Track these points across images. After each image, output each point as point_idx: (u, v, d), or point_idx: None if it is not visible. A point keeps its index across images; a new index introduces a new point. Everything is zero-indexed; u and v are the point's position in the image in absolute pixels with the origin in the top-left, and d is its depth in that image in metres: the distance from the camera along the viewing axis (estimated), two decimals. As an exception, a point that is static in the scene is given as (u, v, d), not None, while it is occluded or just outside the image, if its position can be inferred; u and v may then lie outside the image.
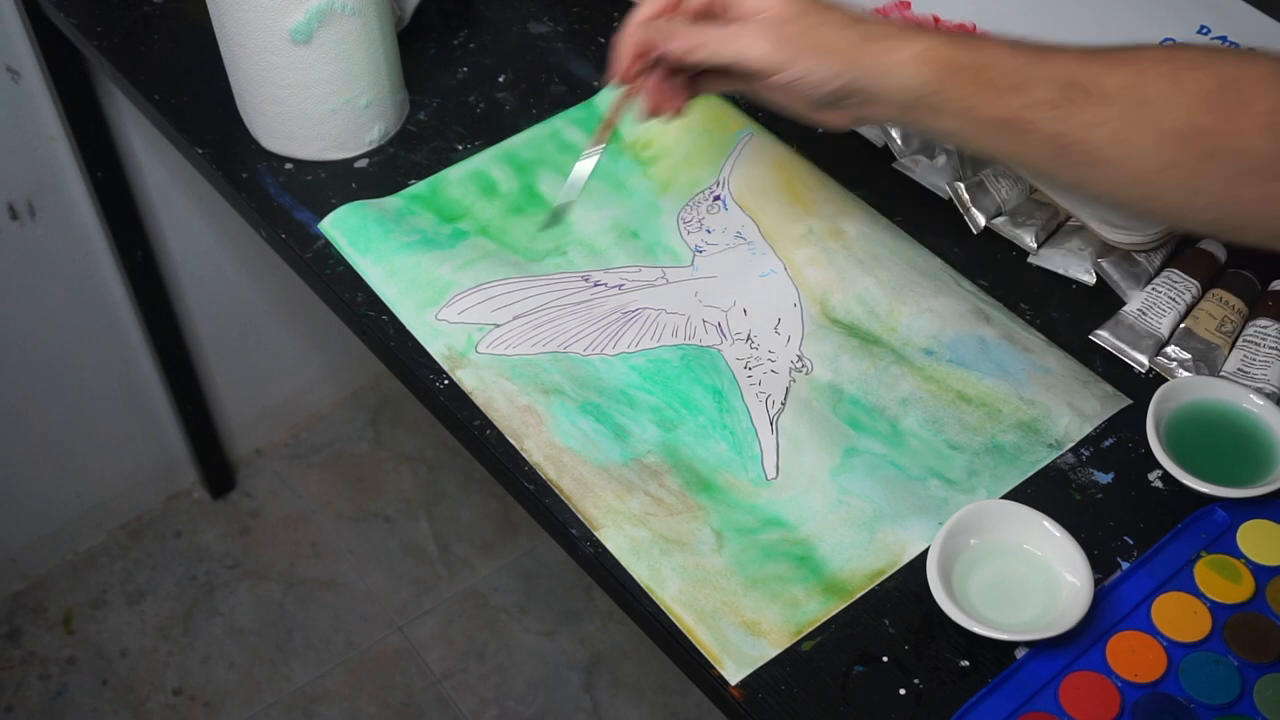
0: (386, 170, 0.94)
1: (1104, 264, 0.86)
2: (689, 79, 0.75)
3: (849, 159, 0.94)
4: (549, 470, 0.77)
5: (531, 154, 0.94)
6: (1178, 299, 0.83)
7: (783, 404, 0.80)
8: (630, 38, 0.73)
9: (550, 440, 0.78)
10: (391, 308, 0.85)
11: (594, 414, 0.79)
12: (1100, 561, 0.73)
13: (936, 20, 1.01)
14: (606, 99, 0.97)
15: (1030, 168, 0.74)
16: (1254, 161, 0.63)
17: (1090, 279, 0.86)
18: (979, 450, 0.78)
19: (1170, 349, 0.82)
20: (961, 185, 0.90)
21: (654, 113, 0.76)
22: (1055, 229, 0.89)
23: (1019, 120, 0.66)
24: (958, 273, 0.86)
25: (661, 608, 0.71)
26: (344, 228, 0.89)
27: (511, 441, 0.78)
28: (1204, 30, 1.00)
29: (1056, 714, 0.67)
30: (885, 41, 0.67)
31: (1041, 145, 0.67)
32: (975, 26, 1.00)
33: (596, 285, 0.86)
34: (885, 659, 0.70)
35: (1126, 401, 0.80)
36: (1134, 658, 0.68)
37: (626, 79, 0.75)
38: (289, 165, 0.94)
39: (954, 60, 0.67)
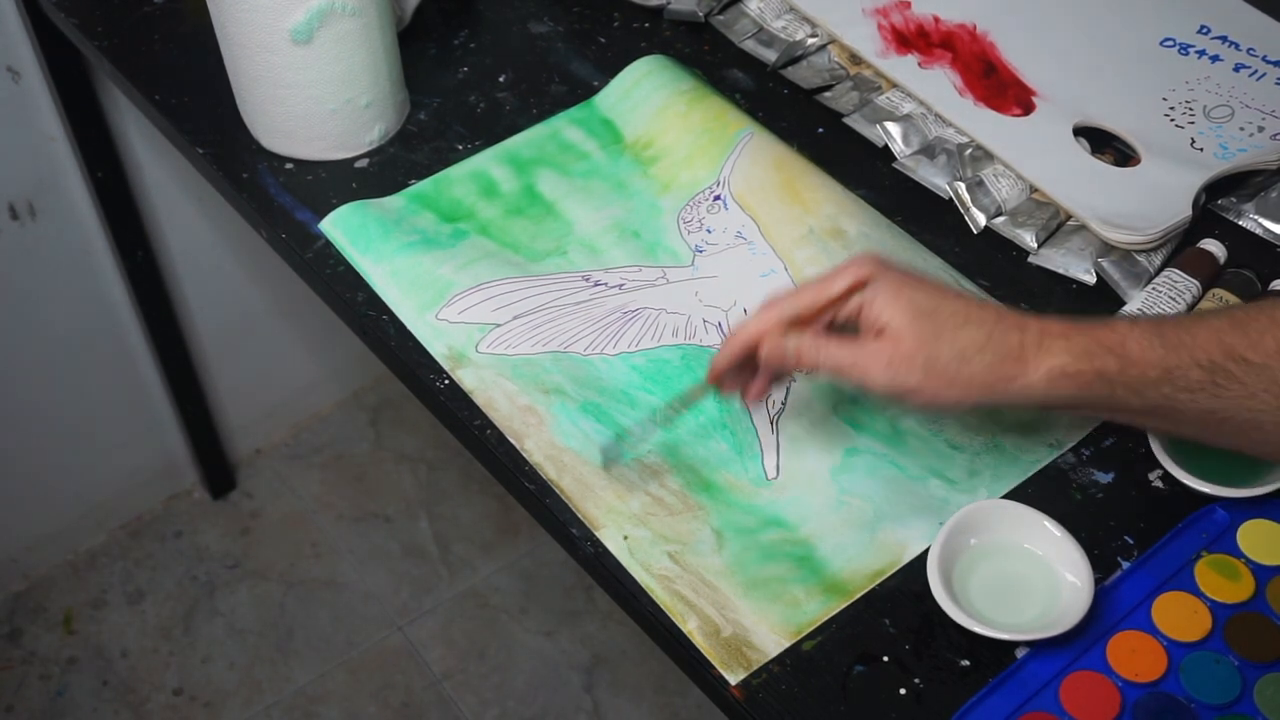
0: (387, 170, 0.94)
1: (1104, 264, 0.86)
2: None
3: (849, 159, 0.94)
4: (549, 470, 0.77)
5: (532, 154, 0.94)
6: (1178, 299, 0.83)
7: (783, 404, 0.80)
8: (742, 345, 0.71)
9: (551, 440, 0.78)
10: (392, 308, 0.85)
11: (594, 414, 0.79)
12: (1100, 561, 0.73)
13: (936, 20, 1.01)
14: (607, 100, 0.97)
15: (1189, 436, 0.72)
16: None
17: (1090, 279, 0.86)
18: (979, 450, 0.78)
19: (1170, 349, 0.82)
20: (961, 185, 0.90)
21: (728, 393, 0.75)
22: (1055, 229, 0.89)
23: (1168, 406, 0.66)
24: (958, 273, 0.86)
25: (662, 607, 0.71)
26: (344, 227, 0.89)
27: (512, 441, 0.78)
28: (1204, 30, 1.00)
29: (1057, 713, 0.67)
30: (1018, 364, 0.66)
31: (1195, 421, 0.67)
32: (975, 26, 1.00)
33: (597, 285, 0.86)
34: (886, 659, 0.70)
35: (1127, 401, 0.80)
36: (1134, 657, 0.68)
37: (719, 381, 0.74)
38: (289, 165, 0.94)
39: (1093, 370, 0.66)
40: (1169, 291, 0.84)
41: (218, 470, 1.62)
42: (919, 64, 0.98)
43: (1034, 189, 0.90)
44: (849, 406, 0.80)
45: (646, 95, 0.96)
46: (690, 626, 0.70)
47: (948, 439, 0.78)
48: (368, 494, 1.66)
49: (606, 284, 0.86)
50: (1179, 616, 0.70)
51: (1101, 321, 0.68)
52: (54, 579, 1.57)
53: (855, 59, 1.00)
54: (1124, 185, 0.89)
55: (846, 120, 0.96)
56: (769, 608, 0.71)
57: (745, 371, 0.73)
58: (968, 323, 0.67)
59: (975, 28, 1.00)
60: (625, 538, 0.74)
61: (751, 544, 0.74)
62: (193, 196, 1.39)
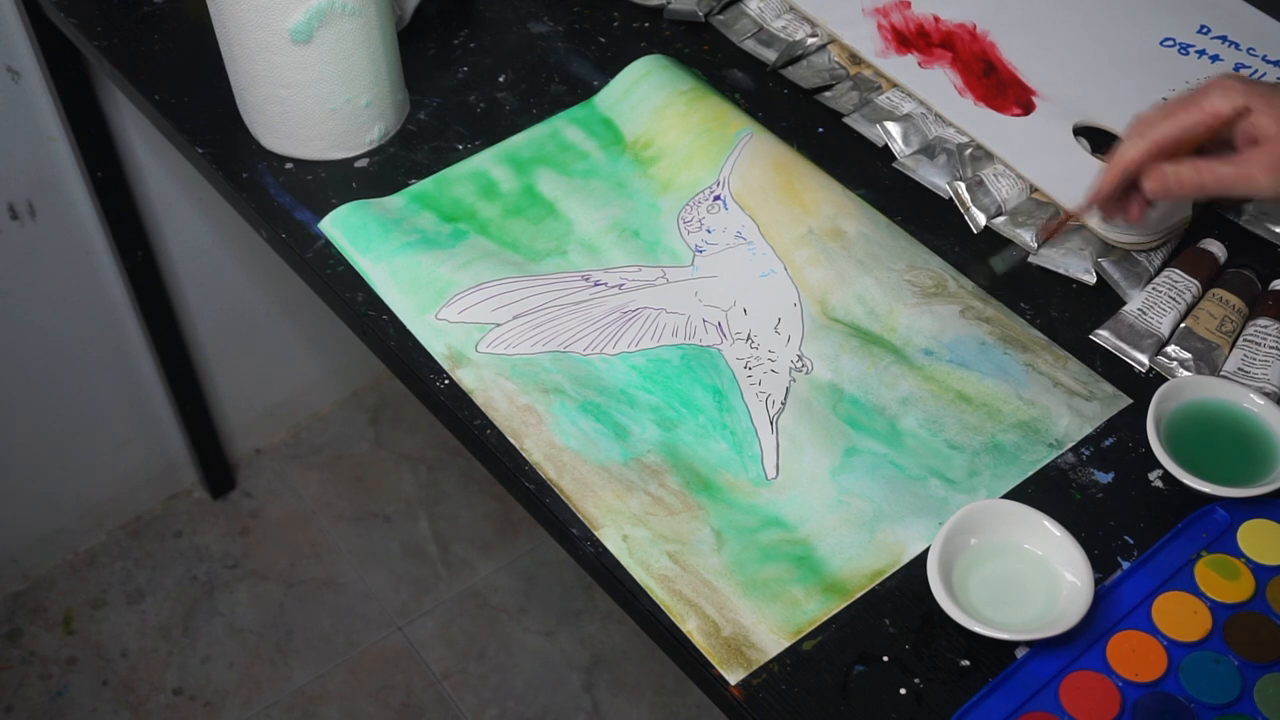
0: (387, 170, 0.94)
1: (1104, 263, 0.86)
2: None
3: (849, 159, 0.94)
4: (549, 470, 0.77)
5: (532, 153, 0.94)
6: (1178, 298, 0.83)
7: (783, 404, 0.80)
8: (1122, 173, 0.78)
9: (550, 440, 0.78)
10: (392, 307, 0.85)
11: (594, 413, 0.79)
12: (1100, 561, 0.73)
13: (936, 20, 1.01)
14: (607, 100, 0.97)
15: None
16: None
17: (1091, 278, 0.86)
18: (979, 450, 0.78)
19: (1170, 348, 0.82)
20: (961, 185, 0.90)
21: (1111, 218, 0.83)
22: (1055, 229, 0.89)
23: None
24: (958, 272, 0.86)
25: (661, 607, 0.71)
26: (344, 227, 0.89)
27: (512, 441, 0.78)
28: (1204, 30, 1.00)
29: (1057, 713, 0.67)
30: None
31: None
32: (975, 26, 1.00)
33: (596, 285, 0.86)
34: (886, 658, 0.70)
35: (1127, 401, 0.80)
36: (1134, 657, 0.68)
37: (1104, 205, 0.81)
38: (289, 165, 0.94)
39: None
40: (1169, 291, 0.84)
41: (217, 470, 1.62)
42: (919, 64, 0.98)
43: (1034, 189, 0.90)
44: (849, 406, 0.80)
45: (646, 95, 0.96)
46: (690, 626, 0.70)
47: (948, 439, 0.78)
48: (367, 494, 1.66)
49: (606, 284, 0.86)
50: (1179, 616, 0.70)
51: None
52: (54, 579, 1.57)
53: (855, 59, 1.00)
54: (1124, 185, 0.89)
55: (846, 120, 0.96)
56: (769, 608, 0.71)
57: (1124, 196, 0.80)
58: None
59: (975, 27, 1.00)
60: (624, 537, 0.74)
61: (751, 544, 0.74)
62: (193, 196, 1.39)
